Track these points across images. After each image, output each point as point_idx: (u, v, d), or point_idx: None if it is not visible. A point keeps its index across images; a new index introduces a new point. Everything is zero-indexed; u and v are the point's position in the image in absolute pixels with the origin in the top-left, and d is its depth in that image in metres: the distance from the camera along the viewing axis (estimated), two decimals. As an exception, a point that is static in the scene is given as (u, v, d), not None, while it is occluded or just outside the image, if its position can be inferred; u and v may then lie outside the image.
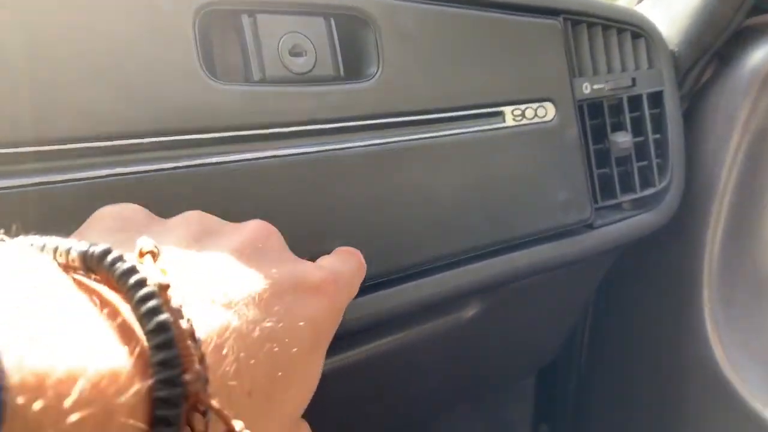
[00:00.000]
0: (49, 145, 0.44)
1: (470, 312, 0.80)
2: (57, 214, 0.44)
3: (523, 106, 0.71)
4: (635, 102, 0.81)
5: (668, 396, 0.95)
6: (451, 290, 0.67)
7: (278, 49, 0.56)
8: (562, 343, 1.15)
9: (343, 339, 0.47)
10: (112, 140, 0.47)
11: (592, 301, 1.13)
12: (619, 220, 0.80)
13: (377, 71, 0.61)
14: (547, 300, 0.96)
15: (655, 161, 0.82)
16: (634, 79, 0.80)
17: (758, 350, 0.86)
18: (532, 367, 1.25)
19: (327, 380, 0.41)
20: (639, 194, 0.82)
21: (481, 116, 0.69)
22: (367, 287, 0.59)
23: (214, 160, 0.52)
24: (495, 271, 0.70)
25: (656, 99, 0.82)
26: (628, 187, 0.82)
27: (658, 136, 0.82)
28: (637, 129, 0.81)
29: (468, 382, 1.05)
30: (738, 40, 0.87)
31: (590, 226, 0.77)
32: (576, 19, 0.77)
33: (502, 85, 0.70)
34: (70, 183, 0.44)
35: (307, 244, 0.54)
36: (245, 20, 0.55)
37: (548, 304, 0.99)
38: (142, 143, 0.48)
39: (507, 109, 0.71)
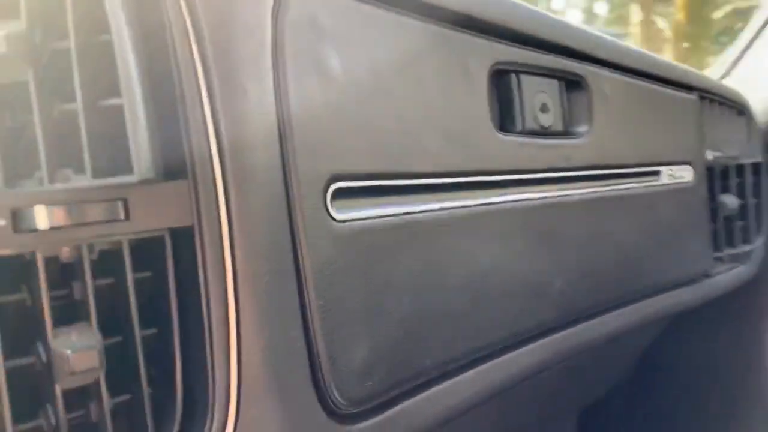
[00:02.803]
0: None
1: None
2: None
3: (672, 168, 0.82)
4: (739, 170, 0.94)
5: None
6: (611, 332, 0.75)
7: (534, 105, 0.64)
8: (607, 383, 1.25)
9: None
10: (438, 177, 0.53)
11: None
12: (725, 271, 0.91)
13: (588, 129, 0.70)
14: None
15: (753, 222, 0.94)
16: (738, 150, 0.94)
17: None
18: (575, 405, 1.34)
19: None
20: (738, 249, 0.94)
21: (647, 174, 0.79)
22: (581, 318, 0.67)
23: (502, 199, 0.58)
24: (628, 319, 0.78)
25: (756, 169, 0.96)
26: (729, 243, 0.94)
27: (755, 200, 0.95)
28: (739, 193, 0.94)
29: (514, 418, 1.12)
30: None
31: (707, 275, 0.88)
32: (706, 96, 0.89)
33: (661, 148, 0.80)
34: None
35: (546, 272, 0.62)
36: (513, 79, 0.62)
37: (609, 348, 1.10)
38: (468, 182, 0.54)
39: (663, 169, 0.81)
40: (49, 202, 0.30)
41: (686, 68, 0.88)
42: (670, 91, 0.83)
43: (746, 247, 0.95)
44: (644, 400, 1.26)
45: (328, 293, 0.41)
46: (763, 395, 1.00)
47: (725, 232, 0.92)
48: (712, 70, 1.17)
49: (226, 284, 0.35)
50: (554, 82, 0.67)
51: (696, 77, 0.88)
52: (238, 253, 0.36)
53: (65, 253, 0.32)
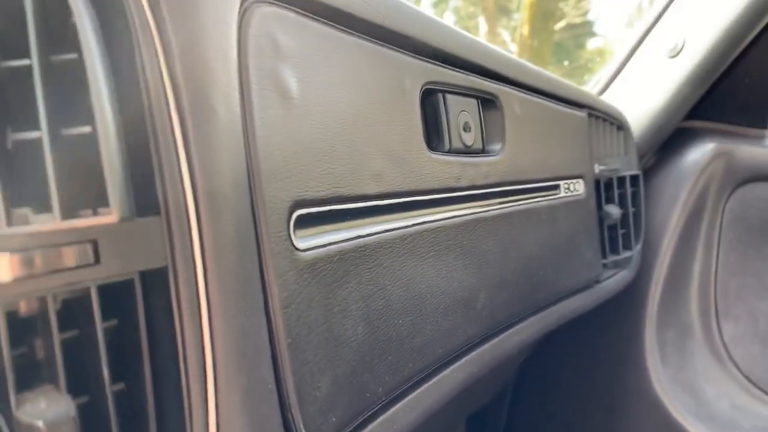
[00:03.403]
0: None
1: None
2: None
3: (568, 182, 0.87)
4: (620, 182, 1.01)
5: (610, 425, 1.16)
6: (522, 341, 0.78)
7: (458, 124, 0.65)
8: (493, 389, 1.30)
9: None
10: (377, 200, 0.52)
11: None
12: (611, 276, 0.98)
13: (501, 147, 0.72)
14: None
15: (632, 229, 1.02)
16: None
17: (685, 382, 1.10)
18: (463, 412, 1.38)
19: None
20: (621, 256, 1.01)
21: (549, 188, 0.83)
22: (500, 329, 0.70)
23: (434, 218, 0.59)
24: (535, 328, 0.82)
25: (634, 180, 1.04)
26: (613, 250, 1.01)
27: (634, 209, 1.03)
28: (620, 203, 1.02)
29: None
30: (677, 138, 1.12)
31: (597, 281, 0.95)
32: (593, 113, 0.95)
33: (560, 163, 0.85)
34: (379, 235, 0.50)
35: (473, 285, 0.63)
36: (440, 98, 0.63)
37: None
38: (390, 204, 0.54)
39: (562, 183, 0.86)
40: (9, 248, 0.26)
41: (577, 87, 0.94)
42: (565, 108, 0.88)
43: (627, 253, 1.02)
44: (527, 404, 1.32)
45: (295, 329, 0.39)
46: (642, 391, 1.09)
47: (609, 239, 0.99)
48: (589, 87, 1.26)
49: (202, 327, 0.33)
50: (473, 102, 0.69)
51: (584, 95, 0.94)
52: (212, 291, 0.33)
53: (25, 306, 0.28)
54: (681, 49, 1.06)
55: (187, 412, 0.32)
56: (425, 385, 0.57)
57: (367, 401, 0.47)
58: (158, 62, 0.31)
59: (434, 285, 0.58)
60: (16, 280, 0.26)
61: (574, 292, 0.89)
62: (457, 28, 0.66)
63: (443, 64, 0.63)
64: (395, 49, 0.55)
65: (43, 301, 0.28)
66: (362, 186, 0.49)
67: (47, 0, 0.29)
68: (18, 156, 0.28)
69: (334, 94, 0.46)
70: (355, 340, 0.46)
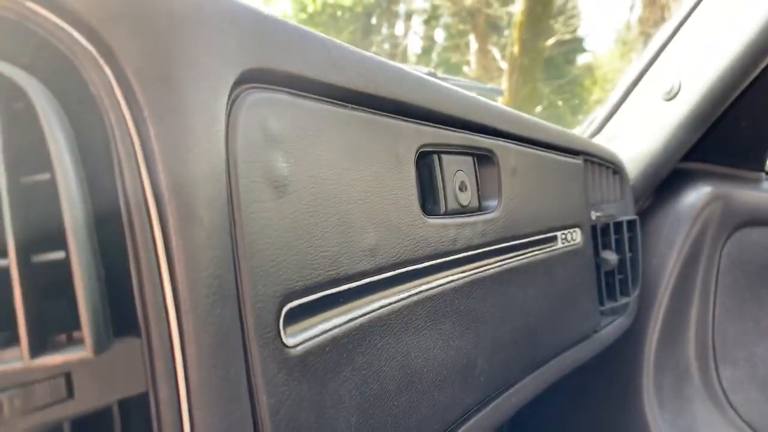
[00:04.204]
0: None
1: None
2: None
3: (565, 231, 0.85)
4: (617, 227, 1.00)
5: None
6: (521, 400, 0.76)
7: (453, 184, 0.63)
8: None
9: None
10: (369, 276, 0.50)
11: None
12: (609, 324, 0.96)
13: (498, 203, 0.70)
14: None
15: (630, 275, 1.01)
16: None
17: (683, 426, 1.08)
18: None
19: None
20: (618, 302, 0.99)
21: (546, 240, 0.81)
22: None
23: (430, 285, 0.57)
24: (533, 386, 0.80)
25: (630, 225, 1.02)
26: (610, 296, 0.99)
27: (631, 254, 1.02)
28: (617, 249, 1.00)
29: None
30: (674, 180, 1.11)
31: (596, 330, 0.93)
32: (588, 159, 0.93)
33: (557, 213, 0.83)
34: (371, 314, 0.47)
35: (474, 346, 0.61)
36: (435, 159, 0.61)
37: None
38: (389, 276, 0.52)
39: (559, 234, 0.84)
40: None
41: (572, 133, 0.92)
42: (561, 157, 0.86)
43: (625, 300, 1.00)
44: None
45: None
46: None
47: (606, 286, 0.98)
48: (580, 129, 1.25)
49: (185, 455, 0.30)
50: (469, 159, 0.67)
51: (579, 141, 0.93)
52: (196, 412, 0.31)
53: (-12, 452, 0.25)
54: (677, 92, 1.05)
55: None
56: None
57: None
58: (139, 174, 0.29)
59: (431, 357, 0.56)
60: (-21, 429, 0.24)
61: (572, 344, 0.87)
62: (451, 87, 0.64)
63: (438, 125, 0.61)
64: (389, 116, 0.53)
65: (10, 444, 0.25)
66: (356, 264, 0.46)
67: (17, 113, 0.27)
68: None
69: (326, 173, 0.44)
70: (350, 430, 0.44)
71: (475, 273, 0.65)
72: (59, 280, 0.27)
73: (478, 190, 0.68)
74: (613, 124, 1.17)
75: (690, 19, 1.11)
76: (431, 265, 0.58)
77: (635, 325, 1.10)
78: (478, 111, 0.69)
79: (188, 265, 0.30)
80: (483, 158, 0.70)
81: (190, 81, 0.32)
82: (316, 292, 0.42)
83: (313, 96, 0.44)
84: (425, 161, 0.60)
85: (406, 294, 0.54)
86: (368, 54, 0.51)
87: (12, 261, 0.26)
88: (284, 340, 0.38)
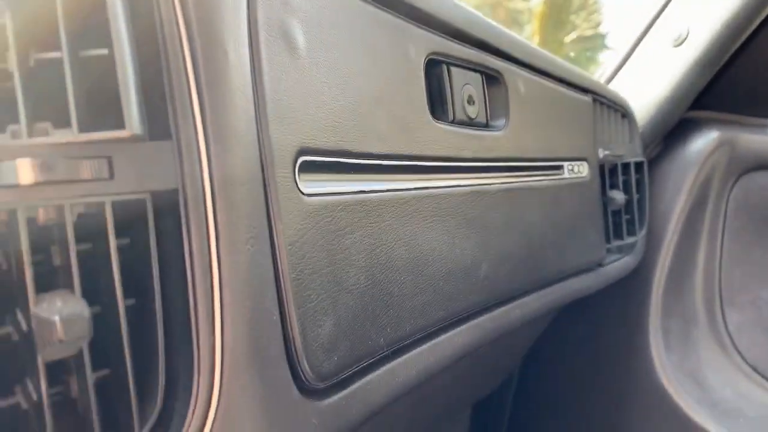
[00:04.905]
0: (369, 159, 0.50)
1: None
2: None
3: (572, 163, 0.88)
4: (624, 168, 1.02)
5: (614, 412, 1.16)
6: (524, 315, 0.79)
7: (462, 96, 0.66)
8: (500, 376, 1.31)
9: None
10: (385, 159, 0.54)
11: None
12: (615, 261, 0.99)
13: (505, 123, 0.74)
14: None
15: (637, 215, 1.03)
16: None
17: (690, 369, 1.10)
18: (470, 399, 1.39)
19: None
20: (624, 241, 1.02)
21: (552, 168, 0.84)
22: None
23: (437, 184, 0.60)
24: (538, 304, 0.84)
25: (638, 167, 1.05)
26: (617, 235, 1.02)
27: (638, 196, 1.04)
28: (625, 189, 1.03)
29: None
30: (682, 128, 1.13)
31: (600, 265, 0.96)
32: (597, 99, 0.96)
33: (563, 144, 0.86)
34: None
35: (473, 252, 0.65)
36: (444, 69, 0.65)
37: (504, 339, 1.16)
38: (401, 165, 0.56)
39: (565, 164, 0.87)
40: (31, 156, 0.28)
41: (582, 72, 0.95)
42: (570, 92, 0.89)
43: (631, 239, 1.03)
44: (534, 390, 1.33)
45: (299, 267, 0.41)
46: (647, 378, 1.09)
47: (613, 225, 1.00)
48: (597, 76, 1.27)
49: (210, 251, 0.34)
50: (478, 76, 0.70)
51: (589, 81, 0.96)
52: (220, 217, 0.35)
53: (43, 214, 0.30)
54: (685, 38, 1.07)
55: (194, 330, 0.34)
56: (427, 344, 0.58)
57: (368, 348, 0.48)
58: (176, 16, 0.33)
59: (436, 249, 0.59)
60: (37, 185, 0.28)
61: (577, 273, 0.90)
62: (464, 4, 0.68)
63: (448, 37, 0.64)
64: (401, 18, 0.57)
65: (60, 210, 0.30)
66: (366, 144, 0.50)
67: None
68: (39, 74, 0.30)
69: (340, 53, 0.47)
70: (358, 289, 0.47)
71: (481, 184, 0.69)
72: (104, 77, 0.31)
73: (486, 107, 0.71)
74: (624, 72, 1.19)
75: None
76: (438, 166, 0.62)
77: (642, 268, 1.12)
78: (490, 31, 0.72)
79: (213, 85, 0.34)
80: (491, 78, 0.73)
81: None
82: (329, 157, 0.46)
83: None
84: (434, 71, 0.64)
85: (413, 186, 0.57)
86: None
87: (64, 52, 0.30)
88: (299, 185, 0.42)
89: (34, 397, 0.29)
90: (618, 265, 1.00)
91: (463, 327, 0.65)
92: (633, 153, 1.05)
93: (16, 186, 0.28)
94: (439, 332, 0.60)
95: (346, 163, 0.48)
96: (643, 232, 1.05)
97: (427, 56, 0.61)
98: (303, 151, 0.43)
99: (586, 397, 1.23)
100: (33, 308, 0.28)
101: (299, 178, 0.42)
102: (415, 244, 0.56)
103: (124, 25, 0.30)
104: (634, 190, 1.03)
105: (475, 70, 0.70)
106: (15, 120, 0.29)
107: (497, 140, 0.72)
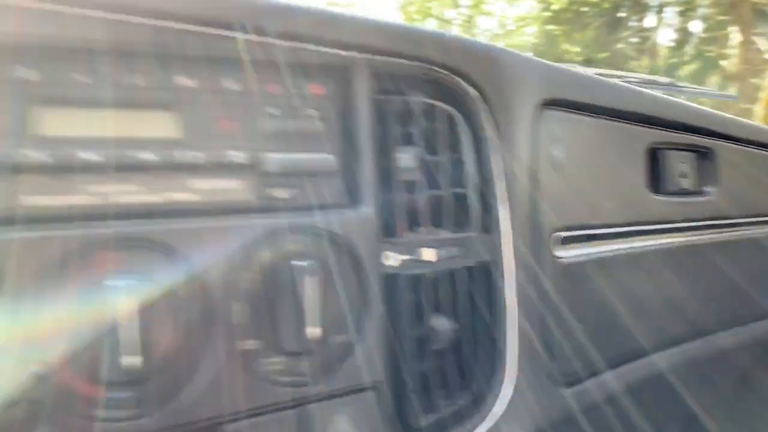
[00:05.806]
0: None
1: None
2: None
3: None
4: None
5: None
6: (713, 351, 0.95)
7: (675, 173, 0.86)
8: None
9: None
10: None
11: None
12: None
13: (716, 189, 0.91)
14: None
15: None
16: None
17: None
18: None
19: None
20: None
21: (757, 223, 0.99)
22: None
23: (655, 243, 0.81)
24: (745, 336, 0.98)
25: None
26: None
27: None
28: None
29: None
30: None
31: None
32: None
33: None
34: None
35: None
36: (661, 154, 0.85)
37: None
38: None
39: None
40: (430, 245, 0.56)
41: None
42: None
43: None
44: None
45: (558, 304, 0.65)
46: None
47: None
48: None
49: (505, 299, 0.60)
50: (691, 155, 0.89)
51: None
52: (516, 274, 0.61)
53: (430, 274, 0.57)
54: None
55: (506, 346, 0.60)
56: (639, 361, 0.79)
57: (598, 359, 0.71)
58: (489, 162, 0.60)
59: (653, 291, 0.80)
60: (431, 262, 0.56)
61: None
62: (677, 100, 0.88)
63: (665, 129, 0.85)
64: (630, 123, 0.79)
65: (445, 272, 0.57)
66: (601, 218, 0.73)
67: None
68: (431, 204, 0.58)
69: (585, 160, 0.71)
70: (593, 319, 0.71)
71: (694, 241, 0.88)
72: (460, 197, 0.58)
73: (697, 179, 0.90)
74: None
75: None
76: (656, 229, 0.82)
77: None
78: (701, 117, 0.90)
79: (510, 199, 0.60)
80: (703, 154, 0.91)
81: (517, 103, 0.62)
82: (576, 230, 0.70)
83: (585, 113, 0.71)
84: (655, 155, 0.85)
85: (638, 245, 0.79)
86: (618, 83, 0.77)
87: (446, 191, 0.58)
88: (553, 252, 0.66)
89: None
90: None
91: (673, 350, 0.84)
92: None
93: (429, 262, 0.56)
94: (647, 353, 0.81)
95: (588, 234, 0.72)
96: None
97: (648, 146, 0.82)
98: (558, 229, 0.67)
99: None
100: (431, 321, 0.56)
101: (553, 248, 0.67)
102: (636, 288, 0.78)
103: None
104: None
105: (689, 150, 0.89)
106: (417, 226, 0.57)
107: (708, 203, 0.90)
